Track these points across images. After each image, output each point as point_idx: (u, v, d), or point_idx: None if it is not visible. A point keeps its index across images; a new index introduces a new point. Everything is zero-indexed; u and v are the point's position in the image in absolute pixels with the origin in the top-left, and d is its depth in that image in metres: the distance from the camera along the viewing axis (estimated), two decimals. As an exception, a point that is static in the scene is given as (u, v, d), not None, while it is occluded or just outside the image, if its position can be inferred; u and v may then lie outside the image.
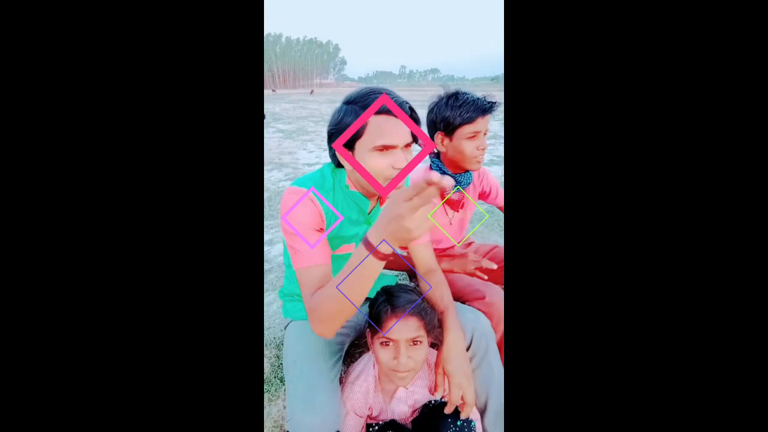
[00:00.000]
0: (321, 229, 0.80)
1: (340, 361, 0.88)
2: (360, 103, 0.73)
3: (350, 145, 0.75)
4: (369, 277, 0.64)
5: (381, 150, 0.72)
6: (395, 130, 0.72)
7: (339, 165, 0.84)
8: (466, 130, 1.03)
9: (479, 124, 1.03)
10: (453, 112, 1.03)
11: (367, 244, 0.61)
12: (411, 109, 0.75)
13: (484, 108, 1.02)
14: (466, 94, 1.04)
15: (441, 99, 1.07)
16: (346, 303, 0.66)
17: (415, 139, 0.78)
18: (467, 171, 1.12)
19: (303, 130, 7.88)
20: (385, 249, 0.60)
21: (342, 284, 0.65)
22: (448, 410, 0.77)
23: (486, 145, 1.06)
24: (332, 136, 0.77)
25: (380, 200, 0.89)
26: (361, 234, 0.89)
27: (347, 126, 0.73)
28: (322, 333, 0.71)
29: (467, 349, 0.86)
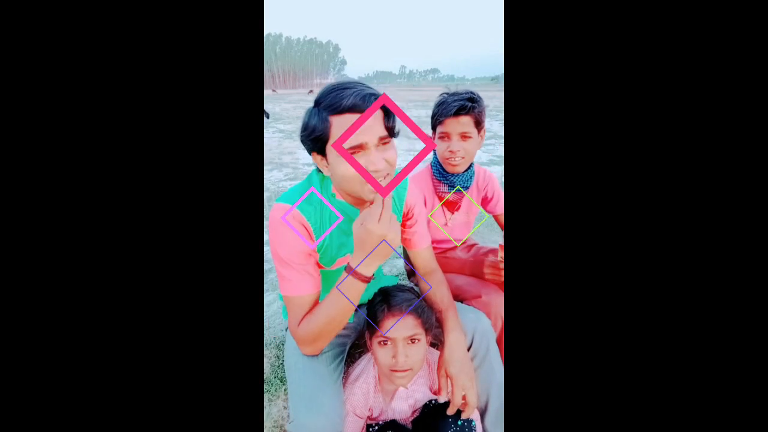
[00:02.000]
0: (311, 251, 0.77)
1: (343, 362, 0.88)
2: (323, 104, 0.67)
3: (321, 150, 0.69)
4: (354, 299, 0.69)
5: (353, 152, 0.66)
6: (362, 127, 0.65)
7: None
8: (439, 130, 1.06)
9: (448, 125, 1.03)
10: (433, 111, 1.06)
11: (350, 270, 0.67)
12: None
13: (448, 111, 1.00)
14: (451, 94, 1.04)
15: (438, 98, 1.08)
16: (333, 324, 0.72)
17: (391, 133, 0.70)
18: (465, 171, 1.12)
19: (303, 130, 7.87)
20: (367, 272, 0.67)
21: (328, 307, 0.71)
22: (450, 412, 0.77)
23: (458, 148, 1.03)
24: (304, 143, 0.72)
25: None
26: (353, 244, 0.87)
27: (315, 133, 0.67)
28: (311, 353, 0.76)
29: (468, 350, 0.86)
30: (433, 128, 1.09)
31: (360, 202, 0.79)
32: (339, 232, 0.83)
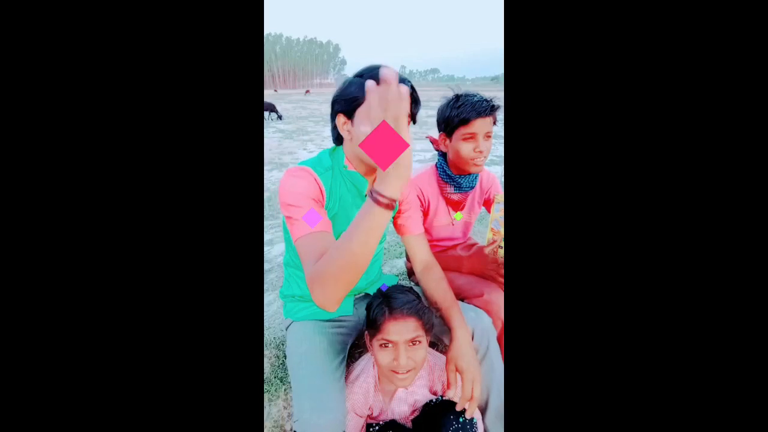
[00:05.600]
0: (321, 202, 0.81)
1: (345, 361, 0.89)
2: (366, 76, 0.77)
3: (350, 113, 0.79)
4: (379, 230, 0.60)
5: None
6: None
7: (338, 142, 0.87)
8: (463, 131, 1.04)
9: (475, 126, 1.02)
10: (452, 113, 1.05)
11: (374, 196, 0.57)
12: (413, 88, 0.77)
13: (479, 110, 1.01)
14: (468, 95, 1.04)
15: (449, 100, 1.07)
16: (354, 263, 0.61)
17: (413, 118, 0.82)
18: (471, 173, 1.11)
19: (303, 130, 7.89)
20: (388, 191, 0.56)
21: (350, 241, 0.61)
22: (459, 406, 0.77)
23: (484, 148, 1.04)
24: (335, 104, 0.81)
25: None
26: None
27: (350, 95, 0.78)
28: (324, 302, 0.65)
29: None
30: (452, 130, 1.07)
31: (370, 172, 0.86)
32: (350, 204, 0.87)
